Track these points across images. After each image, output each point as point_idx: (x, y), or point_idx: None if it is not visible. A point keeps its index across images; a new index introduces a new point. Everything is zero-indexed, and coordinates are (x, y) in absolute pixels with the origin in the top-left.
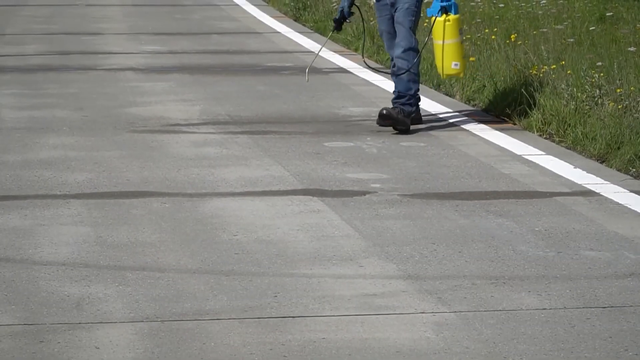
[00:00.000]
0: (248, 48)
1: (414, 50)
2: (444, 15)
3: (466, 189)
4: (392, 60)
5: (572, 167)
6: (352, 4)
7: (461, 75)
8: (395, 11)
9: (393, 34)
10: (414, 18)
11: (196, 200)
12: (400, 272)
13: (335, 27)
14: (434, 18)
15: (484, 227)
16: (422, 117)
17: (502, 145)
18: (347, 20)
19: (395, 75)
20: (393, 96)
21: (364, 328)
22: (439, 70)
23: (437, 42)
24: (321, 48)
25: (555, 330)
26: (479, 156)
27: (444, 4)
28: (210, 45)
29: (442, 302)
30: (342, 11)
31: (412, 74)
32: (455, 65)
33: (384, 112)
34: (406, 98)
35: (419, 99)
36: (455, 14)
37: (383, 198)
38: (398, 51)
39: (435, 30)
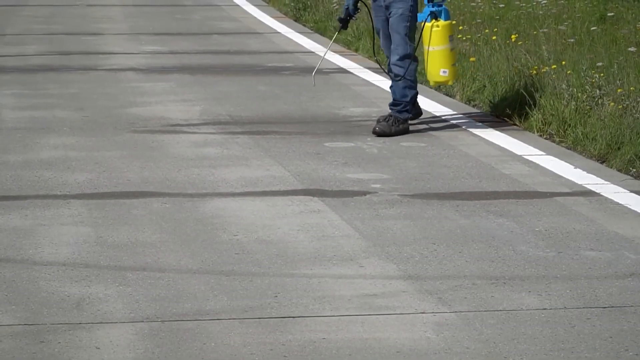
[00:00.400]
0: (248, 48)
1: (409, 57)
2: (433, 21)
3: (466, 189)
4: (388, 58)
5: (572, 167)
6: (357, 1)
7: (450, 82)
8: (389, 15)
9: (389, 34)
10: (408, 24)
11: (197, 200)
12: (400, 272)
13: (342, 26)
14: (423, 23)
15: (485, 228)
16: (423, 118)
17: (502, 145)
18: (353, 18)
19: (392, 80)
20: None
21: (364, 328)
22: (427, 77)
23: (425, 47)
24: (327, 51)
25: (555, 330)
26: (479, 156)
27: (434, 9)
28: (210, 46)
29: (443, 302)
30: (347, 9)
31: (408, 80)
32: (444, 72)
33: (377, 129)
34: (402, 105)
35: (416, 94)
36: (445, 20)
37: (383, 198)
38: (394, 58)
39: (424, 36)
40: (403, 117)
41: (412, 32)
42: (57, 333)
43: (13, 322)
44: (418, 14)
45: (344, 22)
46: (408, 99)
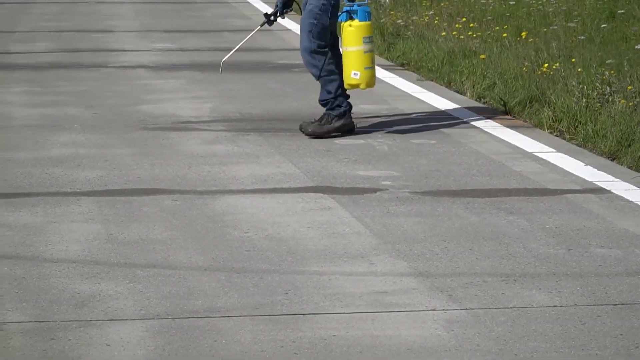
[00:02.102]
0: (259, 45)
1: (316, 52)
2: (349, 21)
3: (477, 187)
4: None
5: (582, 164)
6: (287, 4)
7: (362, 87)
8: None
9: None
10: (315, 21)
11: (207, 197)
12: (411, 269)
13: (266, 21)
14: (342, 22)
15: (495, 225)
16: (433, 114)
17: (512, 142)
18: (281, 17)
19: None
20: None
21: (375, 325)
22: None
23: (342, 47)
24: (242, 42)
25: (566, 327)
26: (489, 153)
27: (348, 8)
28: (221, 43)
29: (453, 300)
30: (276, 6)
31: (324, 76)
32: (355, 74)
33: (310, 130)
34: (329, 104)
35: (340, 84)
36: (361, 20)
37: (394, 195)
38: (303, 56)
39: (341, 36)
40: (336, 112)
41: (319, 30)
42: (67, 330)
43: (23, 319)
44: (339, 14)
45: (269, 19)
46: (333, 94)
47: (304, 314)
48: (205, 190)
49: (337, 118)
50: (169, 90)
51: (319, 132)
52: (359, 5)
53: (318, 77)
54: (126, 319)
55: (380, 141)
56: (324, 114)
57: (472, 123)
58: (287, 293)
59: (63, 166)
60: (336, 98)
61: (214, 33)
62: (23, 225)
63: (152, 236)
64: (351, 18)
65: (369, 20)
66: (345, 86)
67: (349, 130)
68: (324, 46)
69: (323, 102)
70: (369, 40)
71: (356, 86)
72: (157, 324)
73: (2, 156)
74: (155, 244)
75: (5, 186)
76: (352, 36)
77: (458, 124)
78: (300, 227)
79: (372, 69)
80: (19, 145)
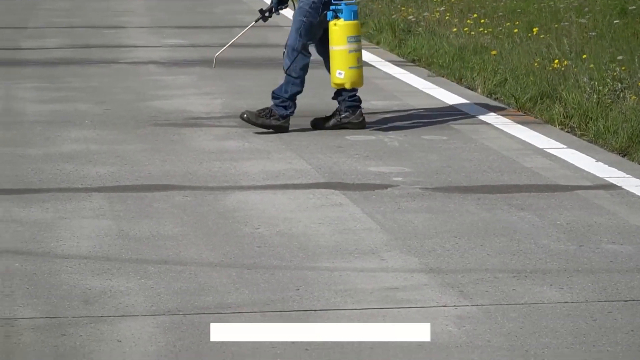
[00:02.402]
0: (270, 41)
1: (297, 50)
2: (335, 20)
3: (488, 183)
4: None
5: (593, 160)
6: (282, 0)
7: (347, 86)
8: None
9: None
10: (304, 19)
11: (218, 193)
12: (422, 265)
13: (260, 17)
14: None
15: (506, 221)
16: (444, 111)
17: (523, 138)
18: (275, 13)
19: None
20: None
21: (386, 321)
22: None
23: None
24: (236, 38)
25: (576, 323)
26: (500, 150)
27: (333, 7)
28: (231, 39)
29: (464, 296)
30: (271, 3)
31: (291, 76)
32: (339, 74)
33: (245, 116)
34: (279, 100)
35: (298, 92)
36: (347, 19)
37: (405, 191)
38: (286, 49)
39: (329, 35)
40: (279, 112)
41: (308, 28)
42: (78, 326)
43: (34, 315)
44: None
45: (264, 15)
46: (287, 95)
47: (315, 310)
48: (216, 186)
49: (277, 118)
50: (180, 86)
51: (252, 120)
52: (346, 4)
53: (285, 71)
54: (137, 315)
55: (391, 137)
56: (268, 108)
57: (483, 119)
58: (298, 289)
59: (74, 162)
60: (287, 100)
61: (225, 29)
62: (34, 221)
63: (163, 232)
64: (337, 17)
65: (355, 20)
66: (332, 85)
67: (281, 131)
68: (307, 47)
69: (275, 95)
70: (355, 39)
71: (342, 85)
72: (168, 319)
73: (13, 152)
74: (166, 240)
75: (16, 182)
76: (336, 35)
77: (469, 120)
78: (311, 223)
79: (358, 68)
80: (30, 141)
